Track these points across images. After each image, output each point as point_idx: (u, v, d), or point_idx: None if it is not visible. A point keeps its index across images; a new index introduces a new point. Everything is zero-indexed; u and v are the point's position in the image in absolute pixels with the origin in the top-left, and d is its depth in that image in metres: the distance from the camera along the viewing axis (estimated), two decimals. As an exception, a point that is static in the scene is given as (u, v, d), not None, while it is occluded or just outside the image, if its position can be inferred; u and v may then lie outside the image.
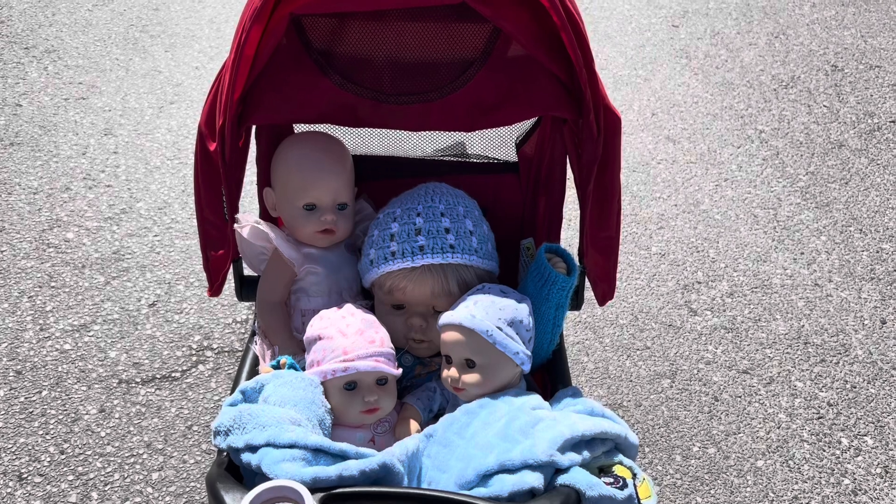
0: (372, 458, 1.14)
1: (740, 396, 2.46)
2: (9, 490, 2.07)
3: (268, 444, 1.15)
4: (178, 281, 2.73)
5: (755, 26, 4.48)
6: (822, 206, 3.24)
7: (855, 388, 2.51)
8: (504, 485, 1.14)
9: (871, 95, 3.93)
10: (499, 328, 1.33)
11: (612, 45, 4.22)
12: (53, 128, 3.38)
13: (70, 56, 3.85)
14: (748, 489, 2.20)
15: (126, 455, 2.18)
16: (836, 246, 3.04)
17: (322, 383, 1.33)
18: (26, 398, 2.31)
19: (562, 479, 1.16)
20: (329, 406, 1.31)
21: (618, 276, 2.83)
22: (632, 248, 2.99)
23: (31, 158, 3.20)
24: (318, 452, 1.14)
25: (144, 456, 2.19)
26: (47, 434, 2.22)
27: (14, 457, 2.15)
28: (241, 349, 2.51)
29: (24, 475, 2.11)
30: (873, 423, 2.39)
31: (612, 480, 1.19)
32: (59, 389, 2.34)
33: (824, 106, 3.85)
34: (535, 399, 1.33)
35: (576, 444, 1.20)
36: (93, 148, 3.29)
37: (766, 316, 2.74)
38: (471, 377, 1.34)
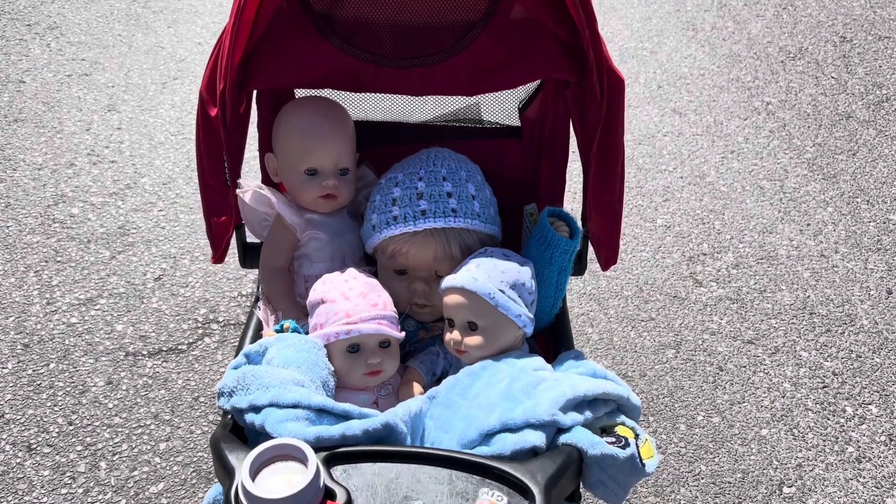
0: (375, 418, 1.14)
1: (745, 366, 2.46)
2: (18, 460, 2.09)
3: (271, 405, 1.15)
4: (183, 255, 2.74)
5: (763, -2, 4.42)
6: (828, 178, 3.21)
7: (860, 357, 2.50)
8: (506, 443, 1.14)
9: (880, 66, 3.88)
10: (501, 291, 1.33)
11: (618, 18, 4.17)
12: (57, 104, 3.37)
13: (73, 32, 3.83)
14: (752, 457, 2.20)
15: (134, 426, 2.20)
16: (842, 217, 3.02)
17: (325, 346, 1.33)
18: (34, 371, 2.33)
19: (564, 438, 1.16)
20: (332, 368, 1.31)
21: (623, 248, 2.85)
22: (637, 220, 2.98)
23: (35, 135, 3.20)
24: (322, 412, 1.15)
25: (152, 427, 2.20)
26: (55, 406, 2.24)
27: (23, 428, 2.17)
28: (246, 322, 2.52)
29: (34, 445, 2.13)
30: (878, 392, 2.39)
31: (614, 440, 1.19)
32: (66, 362, 2.36)
33: (832, 77, 3.81)
34: (538, 361, 1.33)
35: (578, 405, 1.20)
36: (96, 124, 3.29)
37: (772, 287, 2.73)
38: (473, 340, 1.34)
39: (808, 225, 2.99)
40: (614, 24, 4.12)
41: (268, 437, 1.13)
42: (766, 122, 3.51)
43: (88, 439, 2.16)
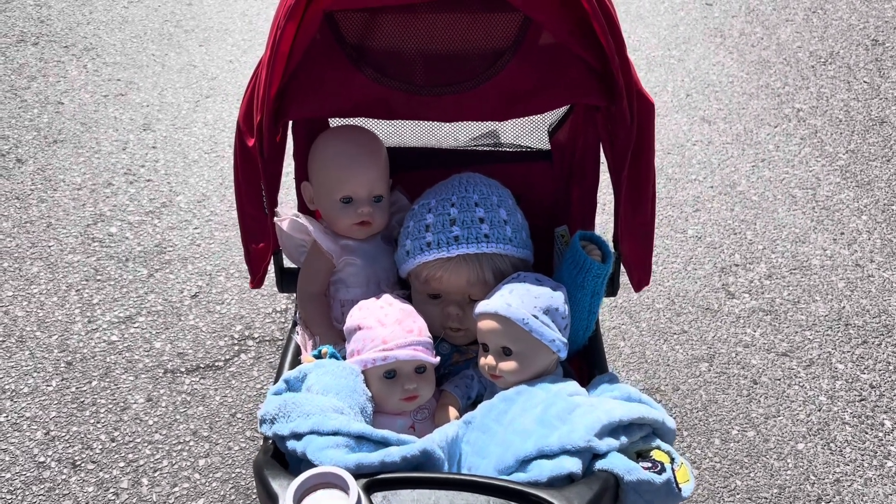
0: (413, 445, 1.16)
1: (780, 379, 2.44)
2: (63, 476, 2.15)
3: (312, 432, 1.18)
4: (218, 272, 2.79)
5: (791, 2, 4.38)
6: (862, 185, 3.17)
7: (898, 369, 2.47)
8: (543, 470, 1.16)
9: (914, 69, 3.82)
10: (535, 316, 1.34)
11: (645, 26, 4.16)
12: (94, 124, 3.46)
13: (108, 53, 3.93)
14: (789, 472, 2.19)
15: (174, 442, 2.25)
16: (877, 225, 2.98)
17: (362, 372, 1.36)
18: (77, 388, 2.39)
19: (600, 464, 1.17)
20: (370, 394, 1.34)
21: (654, 259, 2.83)
22: (667, 231, 2.97)
23: (74, 155, 3.29)
24: (361, 439, 1.18)
25: (191, 443, 2.25)
26: (98, 423, 2.30)
27: (67, 445, 2.23)
28: (281, 338, 2.56)
29: (78, 462, 2.19)
30: (917, 405, 2.36)
31: (650, 465, 1.20)
32: (107, 379, 2.42)
33: (864, 82, 3.76)
34: (572, 385, 1.34)
35: (613, 430, 1.21)
36: (132, 143, 3.37)
37: (806, 297, 2.71)
38: (508, 365, 1.36)
39: (842, 234, 2.95)
40: (641, 33, 4.11)
41: (309, 463, 1.16)
42: (798, 129, 3.48)
43: (130, 456, 2.21)
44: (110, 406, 2.34)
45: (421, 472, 1.15)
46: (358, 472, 1.11)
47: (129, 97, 3.64)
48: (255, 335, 2.57)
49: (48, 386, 2.39)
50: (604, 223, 2.12)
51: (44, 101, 3.57)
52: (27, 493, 2.10)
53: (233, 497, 2.12)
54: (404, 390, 1.35)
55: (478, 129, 1.70)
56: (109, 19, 4.20)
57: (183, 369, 2.46)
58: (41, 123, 3.44)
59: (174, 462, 2.20)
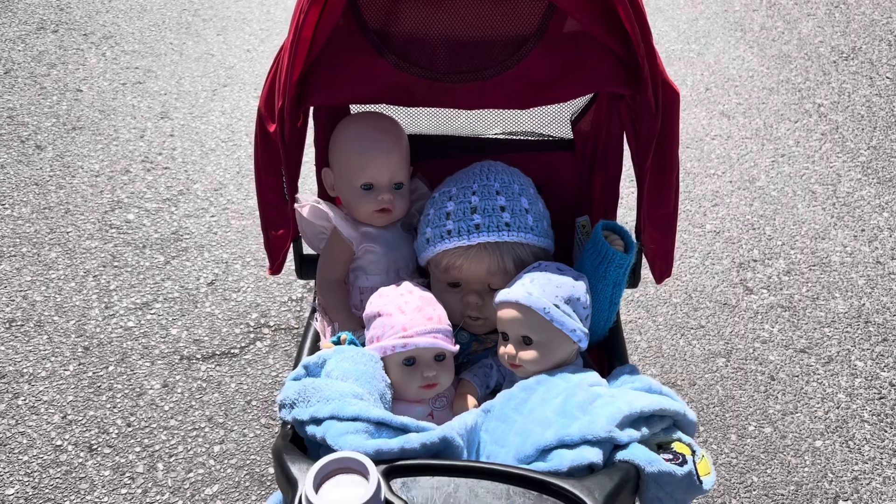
0: (432, 432, 1.16)
1: (798, 376, 2.42)
2: (80, 460, 2.17)
3: (332, 417, 1.18)
4: (235, 260, 2.80)
5: (814, -4, 4.34)
6: (884, 182, 3.14)
7: (918, 368, 2.44)
8: (563, 459, 1.15)
9: (938, 66, 3.77)
10: (556, 306, 1.33)
11: (664, 19, 4.13)
12: (112, 112, 3.47)
13: (127, 41, 3.94)
14: (806, 469, 2.17)
15: (189, 428, 2.26)
16: (899, 222, 2.95)
17: (382, 359, 1.35)
18: (94, 373, 2.40)
19: (621, 455, 1.16)
20: (389, 381, 1.34)
21: (672, 254, 2.82)
22: (686, 225, 2.95)
23: (93, 142, 3.30)
24: (381, 425, 1.17)
25: (206, 429, 2.26)
26: (114, 407, 2.31)
27: (84, 429, 2.25)
28: (296, 326, 2.56)
29: (94, 446, 2.20)
30: (938, 404, 2.33)
31: (671, 457, 1.19)
32: (124, 365, 2.43)
33: (887, 78, 3.71)
34: (593, 376, 1.33)
35: (634, 421, 1.20)
36: (150, 131, 3.38)
37: (825, 294, 2.68)
38: (528, 354, 1.35)
39: (863, 230, 2.92)
40: (660, 26, 4.08)
41: (328, 448, 1.16)
42: (818, 124, 3.44)
43: (146, 441, 2.22)
44: (126, 391, 2.36)
45: (440, 459, 1.15)
46: (377, 458, 1.11)
47: (147, 85, 3.65)
48: (271, 323, 2.58)
49: (65, 370, 2.40)
50: (623, 216, 2.10)
51: (63, 89, 3.58)
52: (44, 476, 2.11)
53: (247, 483, 2.13)
54: (423, 378, 1.35)
55: (506, 124, 1.68)
56: (128, 7, 4.21)
57: (199, 356, 2.47)
58: (60, 110, 3.45)
59: (189, 448, 2.21)
